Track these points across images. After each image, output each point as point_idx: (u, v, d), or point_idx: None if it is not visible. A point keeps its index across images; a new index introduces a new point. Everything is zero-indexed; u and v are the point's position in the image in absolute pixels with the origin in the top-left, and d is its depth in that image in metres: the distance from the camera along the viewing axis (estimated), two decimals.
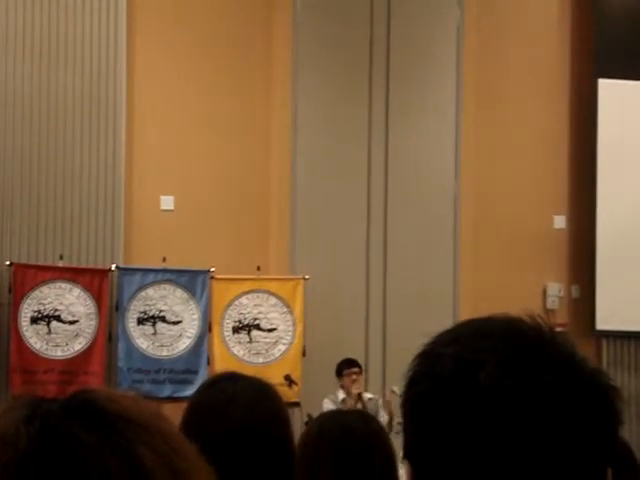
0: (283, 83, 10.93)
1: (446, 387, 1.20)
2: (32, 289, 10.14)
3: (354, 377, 9.45)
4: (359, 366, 9.63)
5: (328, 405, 9.33)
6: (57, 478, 0.98)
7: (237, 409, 2.49)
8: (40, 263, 10.30)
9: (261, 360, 10.51)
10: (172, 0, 10.80)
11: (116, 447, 1.00)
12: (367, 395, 9.57)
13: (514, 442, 1.16)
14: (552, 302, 11.51)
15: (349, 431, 2.86)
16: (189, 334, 10.43)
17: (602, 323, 11.39)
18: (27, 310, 10.12)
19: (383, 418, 8.68)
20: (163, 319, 10.40)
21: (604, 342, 11.56)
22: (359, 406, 9.16)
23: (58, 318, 10.20)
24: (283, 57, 10.94)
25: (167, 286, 10.42)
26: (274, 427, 2.50)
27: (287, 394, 9.99)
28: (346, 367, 9.59)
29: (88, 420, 1.02)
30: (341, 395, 9.55)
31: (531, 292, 11.30)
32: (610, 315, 11.36)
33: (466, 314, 10.60)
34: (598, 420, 1.20)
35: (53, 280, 10.20)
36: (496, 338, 1.22)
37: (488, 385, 1.17)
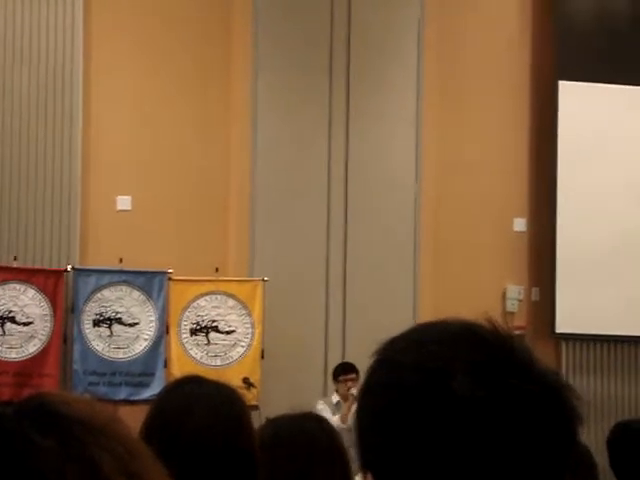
0: (242, 84, 10.86)
1: (415, 398, 1.18)
2: None
3: (349, 384, 9.25)
4: (356, 371, 9.35)
5: (321, 407, 9.21)
6: None
7: (200, 413, 2.47)
8: None
9: (219, 362, 10.43)
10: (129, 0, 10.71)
11: (72, 451, 0.99)
12: None
13: (492, 450, 1.16)
14: (512, 305, 11.50)
15: (308, 434, 2.82)
16: (146, 336, 10.32)
17: (562, 326, 11.41)
18: None
19: None
20: (119, 321, 10.29)
21: (563, 345, 11.57)
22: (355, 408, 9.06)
23: (12, 319, 10.07)
24: (242, 58, 10.87)
25: (123, 287, 10.32)
26: (237, 432, 2.48)
27: (246, 397, 9.88)
28: (342, 373, 9.45)
29: (43, 424, 1.01)
30: (335, 398, 9.47)
31: (491, 295, 11.29)
32: (569, 318, 11.38)
33: (426, 317, 10.56)
34: (562, 423, 1.22)
35: (7, 281, 10.07)
36: (457, 344, 1.21)
37: (465, 396, 1.16)
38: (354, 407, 9.04)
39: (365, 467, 1.23)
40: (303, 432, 2.85)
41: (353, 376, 9.32)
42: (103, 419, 1.05)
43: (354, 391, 9.08)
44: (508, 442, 1.17)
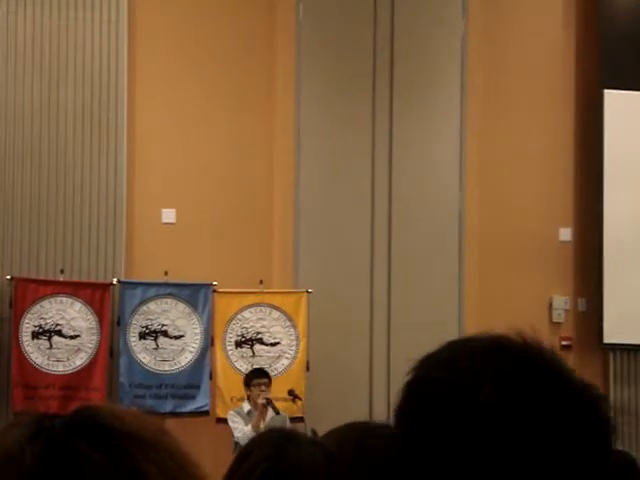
0: (286, 98, 10.87)
1: (446, 412, 1.22)
2: (33, 303, 10.07)
3: (263, 388, 9.14)
4: (268, 377, 9.37)
5: (234, 418, 9.13)
6: None
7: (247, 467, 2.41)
8: (41, 277, 10.24)
9: None
10: (173, 17, 10.76)
11: (122, 464, 1.01)
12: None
13: (519, 459, 1.18)
14: (558, 315, 11.40)
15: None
16: (191, 348, 10.34)
17: (609, 337, 11.27)
18: (28, 325, 10.05)
19: None
20: (165, 333, 10.32)
21: (611, 356, 11.43)
22: (270, 415, 8.95)
23: (59, 333, 10.12)
24: (285, 73, 10.88)
25: (169, 300, 10.34)
26: None
27: (291, 409, 9.91)
28: (255, 377, 9.32)
29: (93, 437, 1.02)
30: (246, 407, 9.25)
31: (537, 305, 11.20)
32: (617, 328, 11.25)
33: (472, 328, 10.49)
34: (591, 435, 1.22)
35: (54, 294, 10.13)
36: (484, 359, 1.24)
37: (491, 405, 1.19)
38: (269, 414, 8.82)
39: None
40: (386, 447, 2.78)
41: (265, 380, 9.25)
42: (153, 432, 1.05)
43: (263, 400, 8.95)
44: (533, 451, 1.19)
